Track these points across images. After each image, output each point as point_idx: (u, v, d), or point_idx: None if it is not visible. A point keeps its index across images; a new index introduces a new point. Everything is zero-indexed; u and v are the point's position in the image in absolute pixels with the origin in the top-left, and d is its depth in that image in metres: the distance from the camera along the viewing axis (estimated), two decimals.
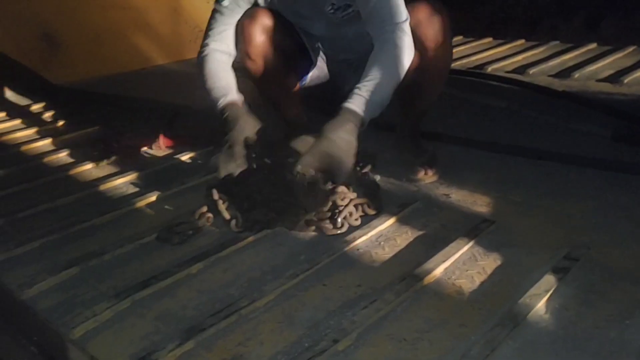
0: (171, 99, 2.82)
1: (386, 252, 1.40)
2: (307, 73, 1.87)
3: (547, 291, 1.18)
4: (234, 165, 1.59)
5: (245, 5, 1.70)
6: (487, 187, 1.68)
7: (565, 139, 2.00)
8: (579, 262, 1.29)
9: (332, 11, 1.65)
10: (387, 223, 1.52)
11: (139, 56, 3.62)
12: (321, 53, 1.86)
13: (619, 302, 1.16)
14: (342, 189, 1.48)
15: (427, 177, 1.73)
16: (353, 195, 1.51)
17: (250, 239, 1.47)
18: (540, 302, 1.16)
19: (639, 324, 1.10)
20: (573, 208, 1.54)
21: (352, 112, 1.48)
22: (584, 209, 1.54)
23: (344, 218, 1.48)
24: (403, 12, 1.53)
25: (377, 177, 1.71)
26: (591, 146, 1.92)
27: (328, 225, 1.47)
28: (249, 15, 1.69)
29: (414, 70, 1.57)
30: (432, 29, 1.60)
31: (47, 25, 3.36)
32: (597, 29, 5.78)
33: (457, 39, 3.69)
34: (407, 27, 1.53)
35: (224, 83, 1.66)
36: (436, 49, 1.62)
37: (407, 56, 1.51)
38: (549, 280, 1.22)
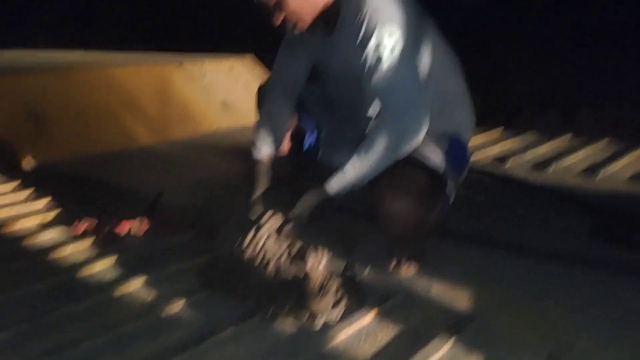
0: (155, 180, 2.84)
1: (366, 350, 1.38)
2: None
3: None
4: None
5: (300, 52, 1.82)
6: (468, 282, 1.68)
7: (544, 233, 2.03)
8: None
9: (352, 70, 1.65)
10: (368, 318, 1.50)
11: (125, 136, 3.66)
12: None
13: None
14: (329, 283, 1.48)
15: (409, 271, 1.73)
16: (338, 285, 1.51)
17: (229, 331, 1.44)
18: None
19: None
20: (553, 306, 1.54)
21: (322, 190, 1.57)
22: (564, 307, 1.54)
23: (326, 312, 1.46)
24: (411, 93, 1.54)
25: (366, 270, 1.72)
26: (569, 241, 1.95)
27: (311, 318, 1.45)
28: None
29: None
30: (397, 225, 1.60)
31: (34, 105, 3.41)
32: (573, 120, 6.00)
33: None
34: (409, 113, 1.52)
35: (264, 133, 1.85)
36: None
37: (387, 158, 1.55)
38: None
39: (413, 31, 1.57)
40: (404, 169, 1.59)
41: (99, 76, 3.99)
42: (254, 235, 1.53)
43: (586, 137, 3.36)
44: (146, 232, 2.09)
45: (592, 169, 2.76)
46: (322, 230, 1.65)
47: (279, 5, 1.60)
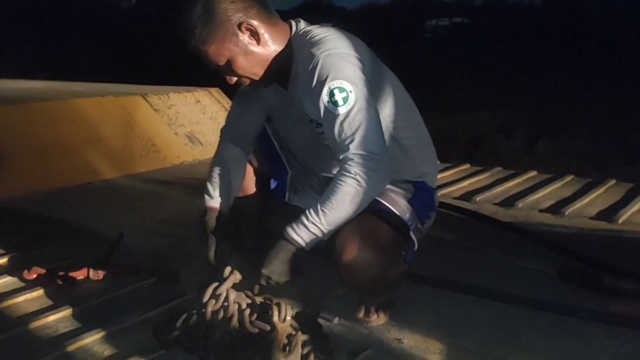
0: (117, 218, 2.74)
1: None
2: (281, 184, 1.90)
3: None
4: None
5: (254, 104, 1.80)
6: (439, 331, 1.64)
7: (513, 276, 2.01)
8: None
9: (310, 120, 1.63)
10: None
11: (87, 170, 3.56)
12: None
13: None
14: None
15: (379, 320, 1.69)
16: (305, 339, 1.45)
17: None
18: None
19: None
20: (525, 358, 1.51)
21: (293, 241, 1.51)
22: (535, 358, 1.51)
23: None
24: (371, 143, 1.49)
25: (335, 320, 1.67)
26: (539, 285, 1.93)
27: None
28: None
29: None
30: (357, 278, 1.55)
31: None
32: (534, 148, 6.14)
33: None
34: (370, 163, 1.48)
35: (216, 181, 1.77)
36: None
37: (354, 205, 1.50)
38: None
39: (368, 75, 1.54)
40: (365, 220, 1.54)
41: (61, 107, 3.89)
42: (215, 290, 1.46)
43: (548, 171, 3.41)
44: (103, 277, 2.00)
45: (557, 207, 2.78)
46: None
47: (229, 68, 1.58)
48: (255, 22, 1.56)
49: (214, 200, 1.77)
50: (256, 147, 1.87)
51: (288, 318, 1.42)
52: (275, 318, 1.40)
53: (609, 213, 2.67)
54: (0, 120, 3.49)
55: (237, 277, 1.49)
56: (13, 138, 3.43)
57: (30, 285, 1.95)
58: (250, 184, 1.92)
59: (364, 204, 1.52)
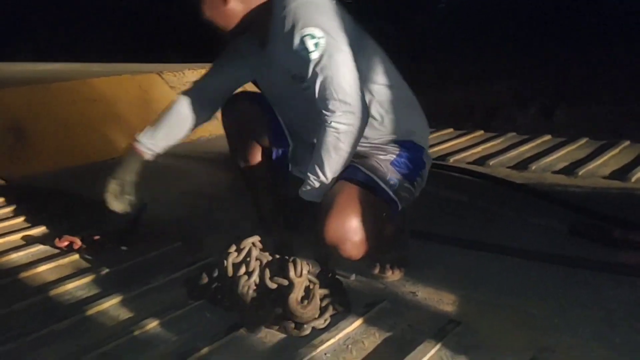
0: (138, 192, 2.82)
1: (354, 357, 1.39)
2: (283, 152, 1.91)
3: None
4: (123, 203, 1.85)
5: (230, 67, 1.85)
6: (452, 285, 1.70)
7: (525, 233, 2.06)
8: None
9: (293, 77, 1.64)
10: (355, 324, 1.51)
11: (108, 147, 3.64)
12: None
13: None
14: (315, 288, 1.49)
15: (394, 276, 1.75)
16: (323, 292, 1.52)
17: (205, 350, 1.42)
18: None
19: None
20: (535, 307, 1.56)
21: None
22: (545, 308, 1.56)
23: (312, 321, 1.47)
24: (345, 89, 1.52)
25: (352, 277, 1.74)
26: (550, 240, 1.98)
27: (293, 326, 1.46)
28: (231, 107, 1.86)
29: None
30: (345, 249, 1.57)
31: (17, 119, 3.38)
32: (551, 117, 6.09)
33: None
34: (346, 109, 1.52)
35: (156, 128, 1.90)
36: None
37: (340, 150, 1.56)
38: None
39: (345, 28, 1.56)
40: (342, 193, 1.58)
41: (80, 87, 3.97)
42: (238, 248, 1.54)
43: (565, 137, 3.42)
44: (130, 244, 2.09)
45: (571, 168, 2.80)
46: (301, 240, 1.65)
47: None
48: None
49: (143, 145, 1.91)
50: (263, 120, 1.89)
51: (305, 273, 1.49)
52: (292, 273, 1.47)
53: (623, 172, 2.69)
54: (22, 101, 3.58)
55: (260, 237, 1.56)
56: (35, 118, 3.52)
57: (59, 255, 2.04)
58: (256, 154, 1.94)
59: (350, 146, 1.57)
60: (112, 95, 4.02)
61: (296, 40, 1.53)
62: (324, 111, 1.55)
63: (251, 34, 1.68)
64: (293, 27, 1.53)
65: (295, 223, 1.72)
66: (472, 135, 3.63)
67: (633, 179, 2.60)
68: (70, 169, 3.25)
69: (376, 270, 1.75)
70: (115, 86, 4.13)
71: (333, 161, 1.58)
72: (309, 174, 1.61)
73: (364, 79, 1.61)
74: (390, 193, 1.66)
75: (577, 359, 1.33)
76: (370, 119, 1.65)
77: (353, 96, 1.53)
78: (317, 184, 1.60)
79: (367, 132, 1.64)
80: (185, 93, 1.89)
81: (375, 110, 1.67)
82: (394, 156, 1.71)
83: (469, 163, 3.02)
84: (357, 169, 1.65)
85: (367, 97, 1.63)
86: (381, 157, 1.71)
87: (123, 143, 3.74)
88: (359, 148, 1.65)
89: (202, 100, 1.87)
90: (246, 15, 1.62)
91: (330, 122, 1.54)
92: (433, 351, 1.37)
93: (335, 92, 1.52)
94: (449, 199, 2.45)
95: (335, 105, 1.53)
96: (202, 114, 1.89)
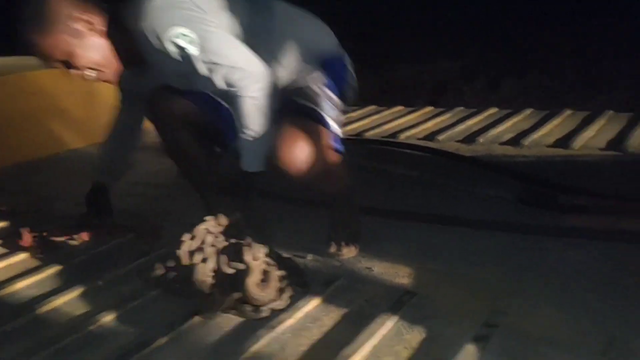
0: (87, 185, 2.75)
1: (314, 335, 1.40)
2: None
3: None
4: None
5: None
6: (407, 258, 1.73)
7: (475, 204, 2.11)
8: (498, 328, 1.34)
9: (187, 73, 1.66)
10: (313, 303, 1.52)
11: (53, 141, 3.53)
12: None
13: None
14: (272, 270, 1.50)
15: (349, 252, 1.77)
16: (280, 274, 1.53)
17: (163, 340, 1.40)
18: None
19: None
20: (487, 274, 1.61)
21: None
22: (497, 273, 1.61)
23: (271, 302, 1.47)
24: (241, 67, 1.59)
25: (309, 257, 1.76)
26: (499, 210, 2.04)
27: (251, 309, 1.46)
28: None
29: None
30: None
31: None
32: (497, 90, 6.22)
33: (370, 108, 3.87)
34: (245, 76, 1.59)
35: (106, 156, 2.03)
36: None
37: (260, 114, 1.62)
38: (470, 350, 1.26)
39: (196, 5, 1.59)
40: (288, 124, 1.65)
41: (18, 81, 3.81)
42: (192, 235, 1.53)
43: (511, 109, 3.51)
44: (85, 238, 2.03)
45: (517, 139, 2.88)
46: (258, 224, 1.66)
47: (70, 62, 1.64)
48: (88, 12, 1.62)
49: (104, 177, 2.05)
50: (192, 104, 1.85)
51: (261, 256, 1.49)
52: (248, 257, 1.47)
53: (566, 140, 2.79)
54: None
55: (218, 222, 1.55)
56: None
57: (10, 252, 1.97)
58: (190, 145, 1.92)
59: (267, 101, 1.62)
60: (54, 88, 3.87)
61: (170, 47, 1.58)
62: (230, 89, 1.61)
63: (127, 68, 1.71)
64: (160, 38, 1.58)
65: (246, 203, 1.70)
66: (421, 112, 3.68)
67: (576, 147, 2.69)
68: (16, 165, 3.14)
69: (332, 249, 1.76)
70: (56, 78, 3.98)
71: (257, 121, 1.62)
72: (242, 143, 1.64)
73: (247, 37, 1.66)
74: (326, 116, 1.70)
75: (528, 320, 1.38)
76: (274, 67, 1.68)
77: (248, 64, 1.61)
78: (253, 148, 1.63)
79: (279, 76, 1.71)
80: (122, 107, 2.02)
81: (271, 57, 1.70)
82: (319, 78, 1.76)
83: (419, 139, 3.07)
84: (292, 100, 1.70)
85: (258, 50, 1.66)
86: (309, 84, 1.74)
87: (69, 137, 3.64)
88: (287, 89, 1.72)
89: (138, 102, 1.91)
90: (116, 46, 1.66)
91: (241, 94, 1.60)
92: (391, 323, 1.40)
93: (230, 72, 1.59)
94: (400, 175, 2.49)
95: (237, 82, 1.60)
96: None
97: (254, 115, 1.62)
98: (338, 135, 1.75)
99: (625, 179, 2.26)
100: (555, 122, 3.13)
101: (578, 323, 1.35)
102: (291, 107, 1.69)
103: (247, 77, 1.60)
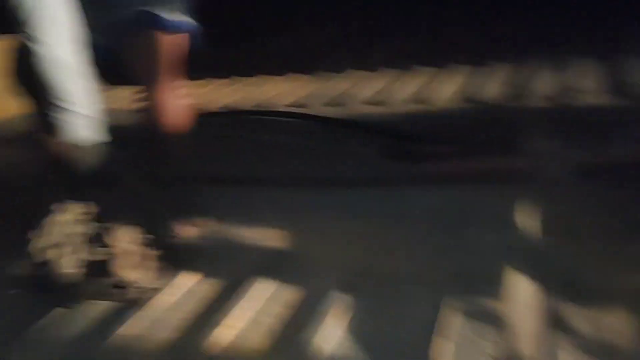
0: None
1: (190, 309, 1.40)
2: None
3: (341, 311, 1.29)
4: None
5: None
6: (280, 222, 1.77)
7: (341, 163, 2.18)
8: (367, 275, 1.43)
9: None
10: (189, 278, 1.52)
11: None
12: None
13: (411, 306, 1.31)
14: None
15: (204, 227, 1.74)
16: (149, 254, 1.50)
17: (29, 334, 1.36)
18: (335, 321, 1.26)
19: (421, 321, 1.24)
20: (356, 227, 1.70)
21: None
22: (364, 225, 1.70)
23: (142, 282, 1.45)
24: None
25: (177, 235, 1.72)
26: (365, 166, 2.13)
27: (122, 292, 1.43)
28: None
29: None
30: None
31: None
32: (365, 53, 6.35)
33: (237, 78, 3.85)
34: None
35: None
36: None
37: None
38: (344, 299, 1.34)
39: None
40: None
41: None
42: (50, 227, 1.45)
43: (373, 70, 3.61)
44: None
45: (378, 97, 3.00)
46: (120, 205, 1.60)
47: None
48: None
49: None
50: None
51: (127, 238, 1.45)
52: (112, 240, 1.43)
53: (423, 96, 2.94)
54: None
55: (71, 210, 1.48)
56: None
57: None
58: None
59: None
60: None
61: None
62: None
63: None
64: None
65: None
66: (293, 80, 3.70)
67: (434, 101, 2.85)
68: None
69: (181, 230, 1.71)
70: None
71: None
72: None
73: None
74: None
75: (392, 264, 1.49)
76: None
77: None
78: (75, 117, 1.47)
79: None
80: None
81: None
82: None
83: (287, 105, 3.10)
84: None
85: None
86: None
87: None
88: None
89: None
90: None
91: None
92: (269, 286, 1.44)
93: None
94: (268, 142, 2.52)
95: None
96: None
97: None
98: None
99: (478, 128, 2.42)
100: (414, 79, 3.28)
101: (431, 260, 1.49)
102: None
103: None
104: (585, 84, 2.70)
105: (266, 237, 1.70)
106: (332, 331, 1.25)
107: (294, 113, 2.84)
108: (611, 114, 2.31)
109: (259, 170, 2.19)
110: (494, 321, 1.22)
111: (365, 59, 5.22)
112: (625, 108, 2.35)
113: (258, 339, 1.26)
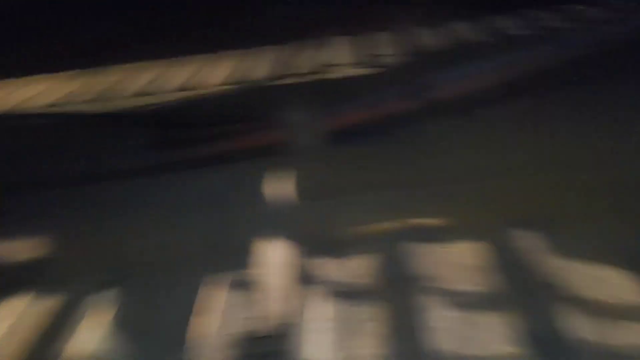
0: None
1: None
2: None
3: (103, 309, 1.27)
4: None
5: None
6: (47, 228, 1.66)
7: (113, 158, 2.10)
8: (131, 270, 1.42)
9: None
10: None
11: None
12: None
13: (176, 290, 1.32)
14: None
15: None
16: None
17: None
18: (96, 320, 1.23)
19: None
20: (129, 221, 1.66)
21: None
22: (138, 217, 1.68)
23: None
24: None
25: None
26: (136, 157, 2.06)
27: None
28: None
29: None
30: None
31: None
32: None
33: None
34: None
35: None
36: None
37: None
38: (104, 296, 1.32)
39: None
40: None
41: None
42: None
43: (142, 63, 3.49)
44: None
45: (147, 89, 2.94)
46: None
47: None
48: None
49: None
50: None
51: None
52: None
53: (190, 83, 2.94)
54: None
55: None
56: None
57: None
58: None
59: None
60: None
61: None
62: None
63: None
64: None
65: None
66: (55, 79, 3.43)
67: (199, 88, 2.86)
68: None
69: None
70: None
71: None
72: None
73: None
74: None
75: (166, 255, 1.49)
76: None
77: None
78: None
79: None
80: None
81: None
82: None
83: (47, 106, 2.88)
84: None
85: None
86: None
87: None
88: None
89: None
90: None
91: None
92: (30, 297, 1.36)
93: None
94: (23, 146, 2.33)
95: None
96: None
97: None
98: None
99: (244, 108, 2.48)
100: (186, 68, 3.25)
101: (198, 241, 1.53)
102: None
103: None
104: (340, 58, 2.95)
105: (31, 245, 1.59)
106: (93, 331, 1.21)
107: (51, 114, 2.65)
108: (360, 82, 2.55)
109: (13, 176, 2.02)
110: (253, 288, 1.29)
111: (135, 53, 5.03)
112: (372, 76, 2.62)
113: (12, 351, 1.18)
